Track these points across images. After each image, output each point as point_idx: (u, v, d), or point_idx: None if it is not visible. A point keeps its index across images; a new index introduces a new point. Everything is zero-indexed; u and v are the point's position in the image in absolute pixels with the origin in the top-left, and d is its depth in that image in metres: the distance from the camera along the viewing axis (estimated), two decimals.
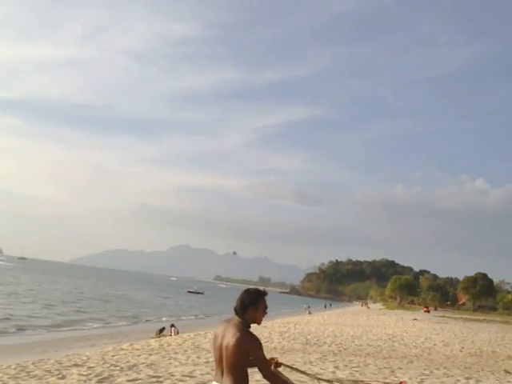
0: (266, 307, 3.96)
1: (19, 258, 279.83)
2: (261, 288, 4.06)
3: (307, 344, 19.49)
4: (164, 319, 38.50)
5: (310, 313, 60.24)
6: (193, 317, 45.36)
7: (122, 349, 16.45)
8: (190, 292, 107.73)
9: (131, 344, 18.01)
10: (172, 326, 25.13)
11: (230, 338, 3.74)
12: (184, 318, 43.65)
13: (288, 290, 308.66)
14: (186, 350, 15.79)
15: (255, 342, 3.69)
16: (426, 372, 12.95)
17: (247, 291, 3.96)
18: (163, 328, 25.20)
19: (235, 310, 3.90)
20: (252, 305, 3.86)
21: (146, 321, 37.44)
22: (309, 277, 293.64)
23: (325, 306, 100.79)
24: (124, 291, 77.79)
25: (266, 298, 3.98)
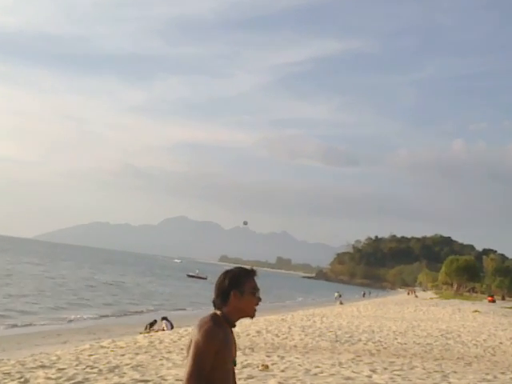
0: (255, 289, 3.62)
1: None
2: (247, 266, 3.76)
3: (337, 341, 19.67)
4: (154, 309, 39.08)
5: (341, 303, 60.75)
6: (192, 308, 45.94)
7: (102, 346, 16.72)
8: (189, 276, 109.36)
9: (113, 341, 18.29)
10: (164, 318, 25.49)
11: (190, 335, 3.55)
12: (181, 308, 44.28)
13: (314, 275, 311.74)
14: (181, 349, 15.99)
15: (202, 335, 3.38)
16: (489, 377, 12.98)
17: (226, 272, 3.65)
18: (154, 321, 25.58)
19: (213, 301, 3.60)
20: (234, 287, 3.54)
21: (135, 312, 38.07)
22: (340, 258, 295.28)
23: (363, 295, 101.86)
24: (113, 276, 78.91)
25: (256, 278, 3.66)
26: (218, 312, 3.56)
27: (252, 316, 3.69)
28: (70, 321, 30.22)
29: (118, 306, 41.01)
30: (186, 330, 21.84)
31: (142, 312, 38.57)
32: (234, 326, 3.65)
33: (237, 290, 3.55)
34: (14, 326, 26.17)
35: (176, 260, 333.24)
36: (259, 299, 3.68)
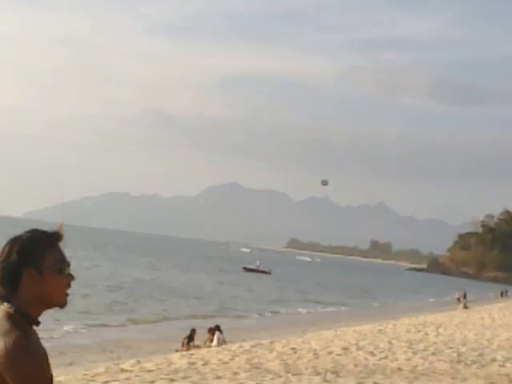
0: (62, 263, 3.34)
1: None
2: (45, 229, 3.43)
3: (460, 362, 19.49)
4: (189, 317, 39.83)
5: (465, 306, 60.23)
6: (248, 314, 46.35)
7: (123, 370, 16.95)
8: (246, 270, 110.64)
9: (138, 362, 18.49)
10: (216, 329, 25.63)
11: None
12: (233, 315, 44.70)
13: (425, 266, 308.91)
14: (236, 373, 16.10)
15: (18, 353, 3.13)
16: None
17: (13, 240, 3.34)
18: (193, 331, 25.69)
19: None
20: (27, 263, 3.25)
21: (169, 319, 38.73)
22: (463, 241, 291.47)
23: (501, 294, 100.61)
24: (148, 271, 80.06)
25: (63, 245, 3.41)
26: (9, 308, 3.22)
27: (62, 305, 3.35)
28: (74, 331, 30.96)
29: (148, 312, 41.59)
30: (241, 347, 21.91)
31: (177, 319, 39.15)
32: (38, 323, 3.34)
33: (32, 268, 3.24)
34: None
35: (244, 249, 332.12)
36: (71, 277, 3.36)
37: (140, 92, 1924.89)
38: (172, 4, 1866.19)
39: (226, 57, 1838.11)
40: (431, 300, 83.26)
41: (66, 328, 31.81)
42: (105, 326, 34.38)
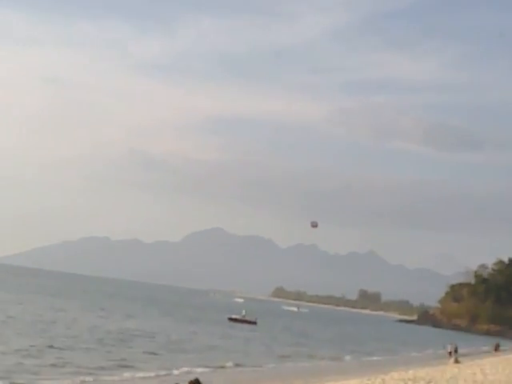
0: None
1: None
2: None
3: None
4: (179, 370, 39.89)
5: (457, 360, 60.31)
6: (231, 366, 46.45)
7: None
8: (232, 320, 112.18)
9: None
10: (192, 382, 25.66)
11: None
12: (214, 367, 44.75)
13: (415, 317, 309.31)
14: None
15: None
16: None
17: None
18: None
19: None
20: None
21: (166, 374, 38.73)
22: (455, 292, 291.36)
23: (495, 348, 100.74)
24: (134, 321, 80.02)
25: None
26: None
27: None
28: None
29: (126, 362, 41.56)
30: None
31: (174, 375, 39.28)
32: None
33: None
34: None
35: (237, 299, 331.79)
36: None
37: (126, 133, 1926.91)
38: (160, 42, 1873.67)
39: (211, 97, 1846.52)
40: (421, 354, 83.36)
41: None
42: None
